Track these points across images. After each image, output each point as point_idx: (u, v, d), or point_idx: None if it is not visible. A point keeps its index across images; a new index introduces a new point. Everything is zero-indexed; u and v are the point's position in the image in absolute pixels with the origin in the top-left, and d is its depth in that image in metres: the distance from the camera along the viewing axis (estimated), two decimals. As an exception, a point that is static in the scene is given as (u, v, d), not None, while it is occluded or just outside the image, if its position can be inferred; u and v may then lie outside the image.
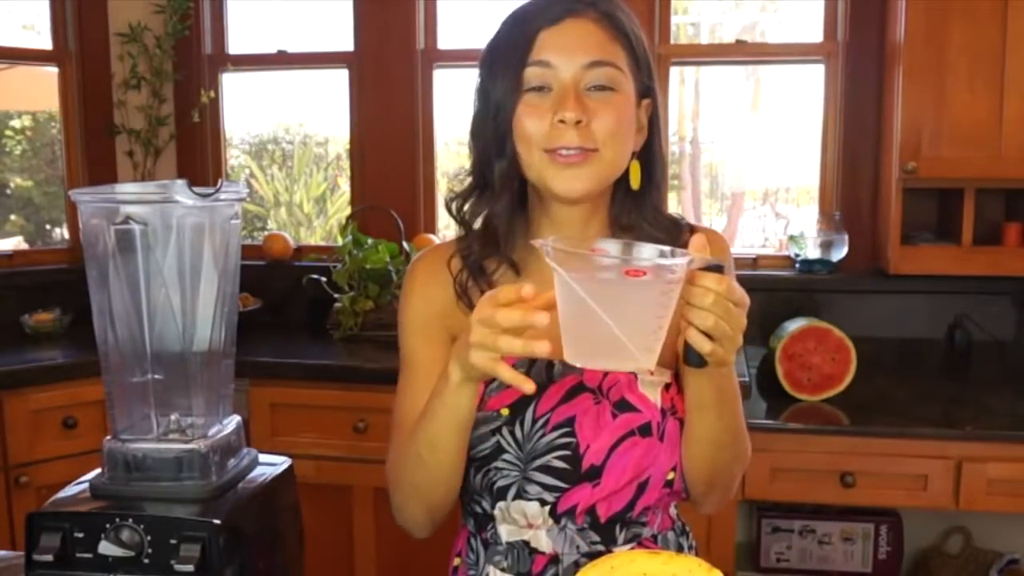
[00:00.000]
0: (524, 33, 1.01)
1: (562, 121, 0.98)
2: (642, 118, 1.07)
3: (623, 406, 1.04)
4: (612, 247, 0.87)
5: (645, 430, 1.04)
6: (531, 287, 0.82)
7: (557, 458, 1.03)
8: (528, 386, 0.84)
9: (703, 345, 0.85)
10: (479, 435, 1.04)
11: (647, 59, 1.05)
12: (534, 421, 1.04)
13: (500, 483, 1.05)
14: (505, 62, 1.02)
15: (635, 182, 1.06)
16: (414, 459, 1.01)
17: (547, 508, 1.05)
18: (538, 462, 1.04)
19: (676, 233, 1.09)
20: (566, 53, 0.99)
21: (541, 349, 0.81)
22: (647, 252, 0.85)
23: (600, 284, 0.80)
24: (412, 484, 1.04)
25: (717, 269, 0.84)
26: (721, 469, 1.07)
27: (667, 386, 1.06)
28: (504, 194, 1.06)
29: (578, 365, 0.84)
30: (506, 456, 1.04)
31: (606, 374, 1.06)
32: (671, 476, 1.07)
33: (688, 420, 1.03)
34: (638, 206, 1.08)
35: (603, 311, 0.79)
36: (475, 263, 1.08)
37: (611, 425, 1.03)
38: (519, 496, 1.05)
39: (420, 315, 1.11)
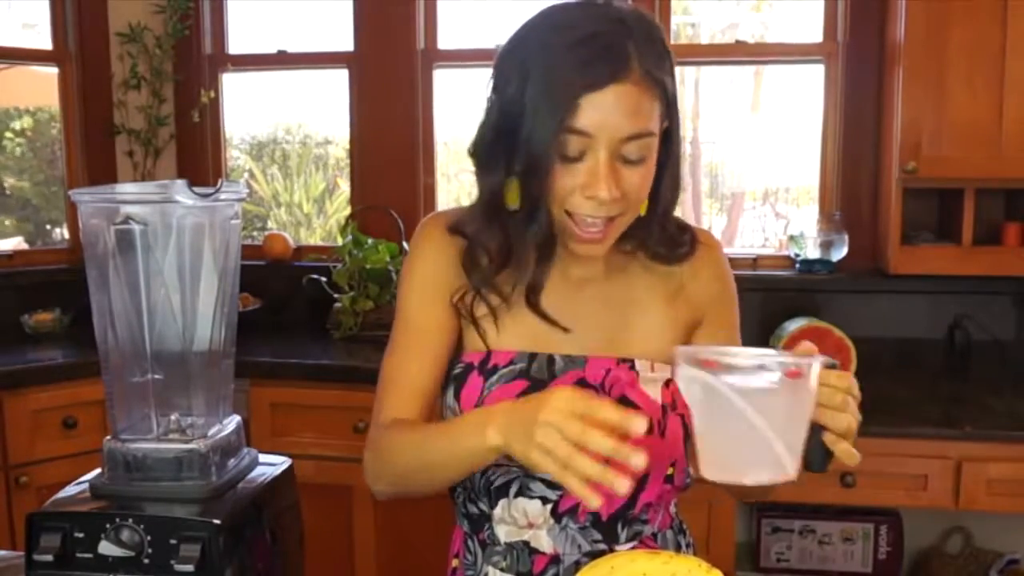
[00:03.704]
0: (566, 91, 0.93)
1: (593, 197, 0.95)
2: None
3: (624, 403, 1.03)
4: (708, 354, 0.80)
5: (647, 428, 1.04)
6: (644, 422, 0.76)
7: None
8: (594, 501, 0.78)
9: (839, 445, 0.83)
10: None
11: (675, 96, 1.01)
12: None
13: (499, 481, 1.05)
14: (546, 113, 0.94)
15: (642, 210, 1.03)
16: (410, 471, 1.00)
17: (549, 507, 1.04)
18: None
19: (679, 241, 1.09)
20: (606, 125, 0.93)
21: (622, 487, 0.76)
22: (745, 354, 0.81)
23: (756, 389, 0.76)
24: (398, 476, 1.03)
25: (833, 366, 0.83)
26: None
27: (667, 382, 1.06)
28: (536, 226, 1.00)
29: (720, 481, 0.81)
30: None
31: (608, 370, 1.05)
32: (670, 471, 1.07)
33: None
34: (643, 225, 1.06)
35: (762, 417, 0.76)
36: (484, 281, 1.05)
37: None
38: (521, 494, 1.04)
39: (430, 277, 1.09)
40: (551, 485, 1.04)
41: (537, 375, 1.05)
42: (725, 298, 1.14)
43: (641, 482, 1.05)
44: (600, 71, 0.93)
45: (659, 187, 1.03)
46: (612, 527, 1.07)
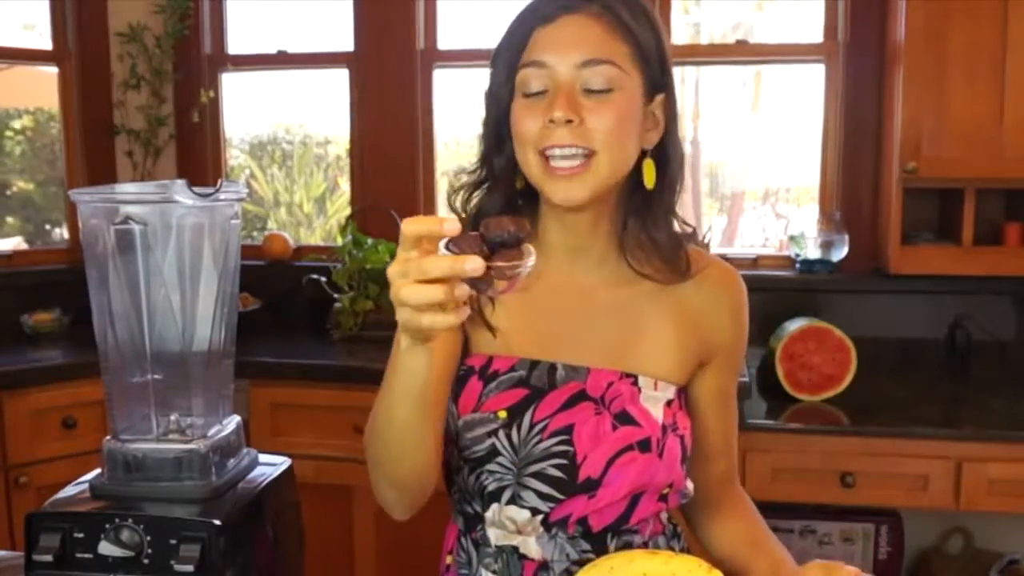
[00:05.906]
0: (520, 32, 0.99)
1: (552, 121, 0.95)
2: (658, 114, 1.02)
3: (624, 419, 1.02)
4: None
5: (644, 445, 1.02)
6: (479, 262, 0.72)
7: (553, 466, 1.02)
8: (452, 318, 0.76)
9: None
10: (475, 436, 1.03)
11: (660, 52, 1.00)
12: (531, 426, 1.02)
13: (492, 486, 1.04)
14: (504, 60, 1.01)
15: (649, 181, 1.02)
16: (374, 433, 0.95)
17: (539, 517, 1.03)
18: (533, 468, 1.02)
19: (678, 244, 1.06)
20: (560, 52, 0.96)
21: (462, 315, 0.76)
22: None
23: None
24: (373, 459, 0.98)
25: None
26: None
27: (669, 402, 1.05)
28: (498, 189, 1.06)
29: None
30: (500, 459, 1.03)
31: (611, 383, 1.04)
32: (666, 491, 1.06)
33: None
34: (648, 205, 1.04)
35: None
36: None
37: (610, 437, 1.02)
38: (512, 502, 1.03)
39: None
40: (543, 497, 1.03)
41: (537, 383, 1.04)
42: (739, 337, 1.12)
43: (636, 500, 1.04)
44: (552, 6, 0.98)
45: (663, 158, 1.03)
46: (602, 538, 1.06)
